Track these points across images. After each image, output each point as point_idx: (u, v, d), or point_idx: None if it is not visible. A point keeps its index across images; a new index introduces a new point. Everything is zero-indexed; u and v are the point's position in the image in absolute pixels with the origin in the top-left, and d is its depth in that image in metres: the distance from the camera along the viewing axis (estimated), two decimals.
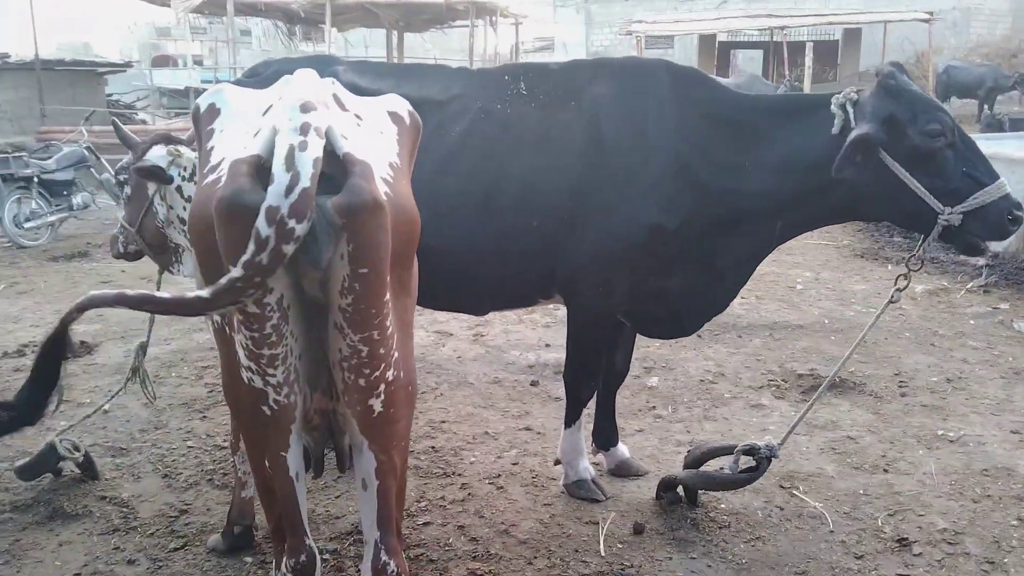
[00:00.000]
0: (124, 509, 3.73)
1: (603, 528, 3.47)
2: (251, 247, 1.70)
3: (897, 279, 3.15)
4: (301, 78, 2.04)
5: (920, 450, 4.10)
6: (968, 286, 6.87)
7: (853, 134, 2.97)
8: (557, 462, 3.90)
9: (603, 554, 3.28)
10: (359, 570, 3.03)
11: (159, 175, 3.41)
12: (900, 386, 4.92)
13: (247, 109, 2.07)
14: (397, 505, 2.14)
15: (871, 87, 3.10)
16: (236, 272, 1.71)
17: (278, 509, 2.03)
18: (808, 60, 23.34)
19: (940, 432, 4.28)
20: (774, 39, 26.12)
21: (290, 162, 1.74)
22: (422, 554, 3.30)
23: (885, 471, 3.92)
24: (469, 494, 3.80)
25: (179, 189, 3.43)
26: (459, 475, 3.98)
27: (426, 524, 3.53)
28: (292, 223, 1.69)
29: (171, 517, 3.66)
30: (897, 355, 5.43)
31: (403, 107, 2.24)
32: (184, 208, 3.43)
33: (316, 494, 3.76)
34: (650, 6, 31.40)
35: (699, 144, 3.30)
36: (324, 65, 3.74)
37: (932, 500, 3.64)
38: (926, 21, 23.80)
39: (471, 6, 12.75)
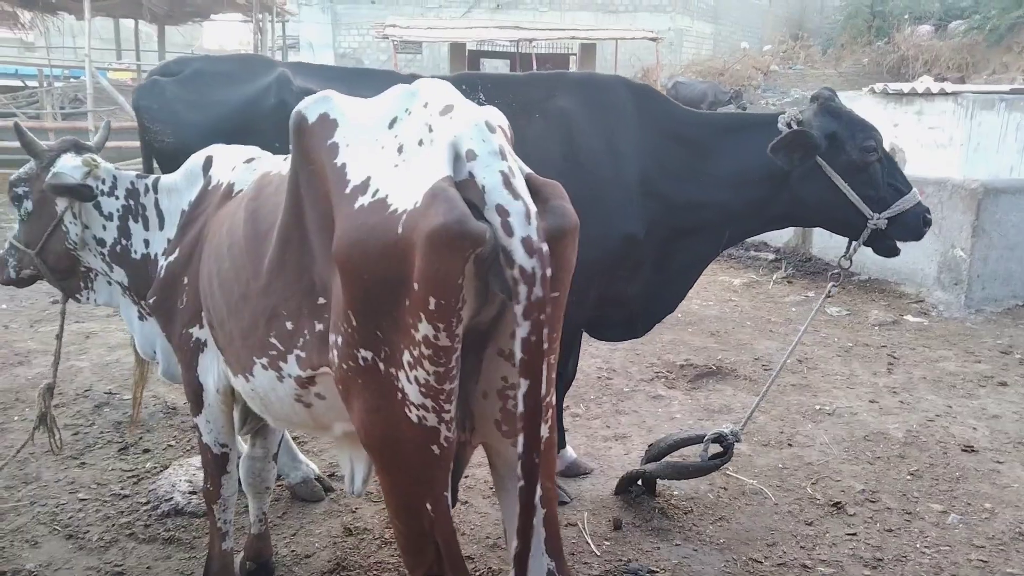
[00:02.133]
0: None
1: (585, 528, 3.57)
2: (522, 288, 1.59)
3: (831, 276, 3.59)
4: (433, 86, 1.90)
5: (808, 424, 4.67)
6: (774, 278, 7.87)
7: (796, 128, 3.32)
8: None
9: (598, 553, 3.38)
10: None
11: (82, 193, 2.93)
12: (764, 369, 5.55)
13: (364, 121, 1.89)
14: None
15: (812, 108, 3.49)
16: (521, 320, 1.61)
17: (433, 554, 1.88)
18: (548, 68, 24.92)
19: (817, 407, 4.90)
20: (520, 50, 27.54)
21: (512, 189, 1.64)
22: None
23: (790, 445, 4.42)
24: None
25: (97, 205, 2.99)
26: None
27: None
28: (544, 251, 1.61)
29: None
30: (748, 342, 6.09)
31: (505, 120, 2.17)
32: (103, 227, 3.00)
33: (273, 533, 3.45)
34: (397, 10, 31.64)
35: (660, 158, 3.50)
36: (264, 67, 3.46)
37: (839, 466, 4.18)
38: (653, 40, 26.43)
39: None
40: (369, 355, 1.78)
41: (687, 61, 32.14)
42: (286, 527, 3.57)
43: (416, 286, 1.63)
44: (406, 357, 1.72)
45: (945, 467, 4.16)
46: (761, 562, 3.35)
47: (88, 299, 3.27)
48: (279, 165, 2.51)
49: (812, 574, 3.27)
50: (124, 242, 3.03)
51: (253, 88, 3.33)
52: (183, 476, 3.89)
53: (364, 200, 1.72)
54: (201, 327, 2.71)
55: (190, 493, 3.77)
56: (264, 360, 2.20)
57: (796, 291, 7.53)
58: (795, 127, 3.44)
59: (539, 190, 1.75)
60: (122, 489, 3.88)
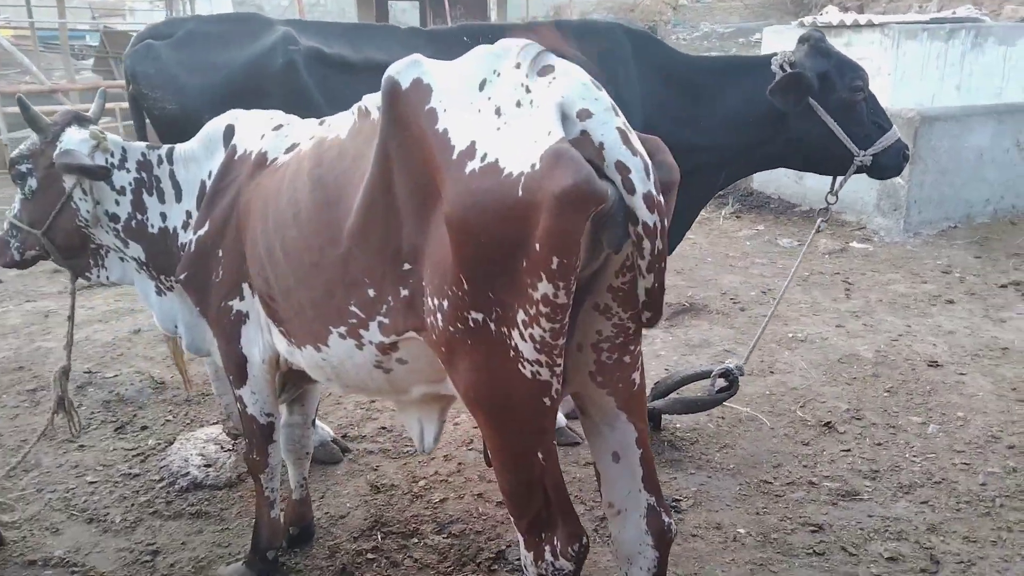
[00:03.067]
0: (76, 569, 3.11)
1: None
2: (646, 243, 1.67)
3: (819, 212, 3.77)
4: (519, 47, 1.90)
5: (784, 352, 4.94)
6: (722, 214, 8.13)
7: (791, 71, 3.46)
8: None
9: None
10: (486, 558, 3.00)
11: (98, 173, 2.82)
12: (733, 302, 5.79)
13: (454, 84, 1.89)
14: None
15: (802, 49, 3.62)
16: (646, 272, 1.71)
17: (540, 501, 1.96)
18: (459, 12, 24.47)
19: (790, 335, 5.18)
20: None
21: (631, 145, 1.69)
22: (466, 528, 3.27)
23: (772, 372, 4.67)
24: (459, 464, 3.78)
25: (109, 179, 2.88)
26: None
27: (442, 501, 3.48)
28: (663, 205, 1.67)
29: (144, 562, 3.14)
30: (713, 277, 6.33)
31: None
32: (116, 202, 2.91)
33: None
34: None
35: (660, 103, 3.59)
36: (262, 26, 3.37)
37: (820, 389, 4.46)
38: None
39: None
40: (480, 316, 1.82)
41: (610, 5, 32.05)
42: (313, 491, 3.58)
43: (538, 246, 1.67)
44: (521, 316, 1.77)
45: (916, 382, 4.49)
46: (771, 482, 3.58)
47: (99, 277, 3.16)
48: (321, 130, 2.47)
49: (819, 489, 3.52)
50: (139, 216, 2.94)
51: (256, 48, 3.22)
52: (193, 450, 3.84)
53: (474, 165, 1.74)
54: (242, 299, 2.68)
55: (205, 467, 3.74)
56: (342, 328, 2.21)
57: (746, 225, 7.83)
58: (788, 69, 3.56)
59: (644, 145, 1.81)
60: (130, 468, 3.81)
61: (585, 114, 1.72)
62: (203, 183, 2.85)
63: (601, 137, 1.69)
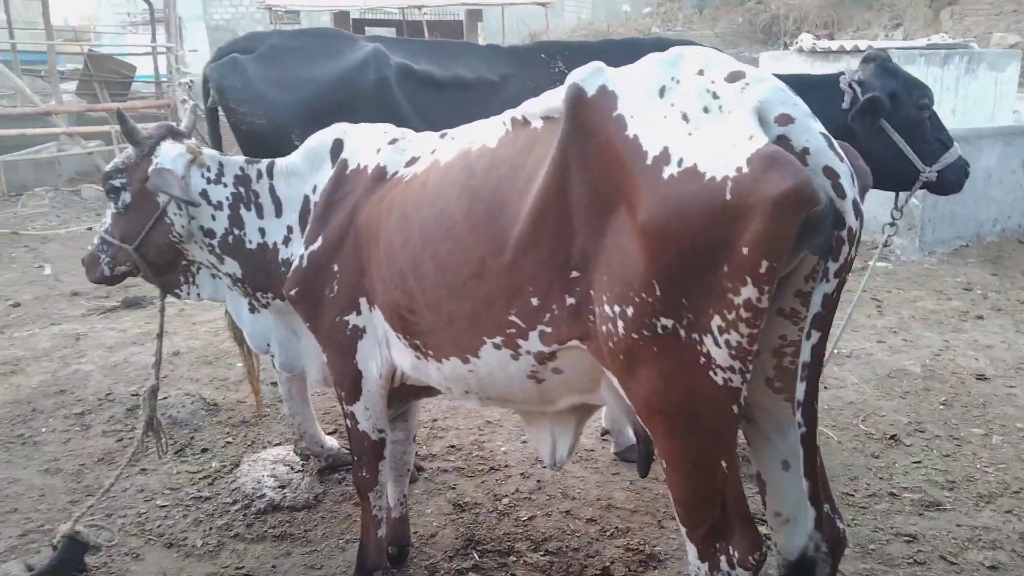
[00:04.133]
0: None
1: None
2: (844, 248, 1.69)
3: (885, 228, 3.84)
4: (698, 54, 1.92)
5: (834, 367, 4.99)
6: None
7: (869, 94, 3.53)
8: (605, 433, 4.02)
9: None
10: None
11: (189, 203, 2.79)
12: None
13: (635, 91, 1.89)
14: None
15: (870, 69, 3.70)
16: (832, 277, 1.71)
17: (719, 509, 1.95)
18: (437, 37, 24.64)
19: (836, 351, 5.23)
20: (407, 18, 27.04)
21: (836, 151, 1.71)
22: (563, 546, 3.23)
23: (826, 388, 4.71)
24: (538, 481, 3.75)
25: (205, 194, 2.85)
26: (507, 466, 3.88)
27: (531, 518, 3.44)
28: (863, 212, 1.70)
29: None
30: None
31: None
32: (212, 217, 2.87)
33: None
34: None
35: None
36: (345, 41, 3.37)
37: (877, 403, 4.51)
38: (543, 5, 26.52)
39: None
40: (670, 323, 1.81)
41: (571, 26, 32.46)
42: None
43: (745, 250, 1.67)
44: (716, 322, 1.77)
45: (968, 395, 4.56)
46: (852, 495, 3.61)
47: (189, 294, 3.11)
48: (456, 142, 2.47)
49: (902, 500, 3.55)
50: (236, 232, 2.90)
51: (346, 64, 3.21)
52: (264, 472, 3.77)
53: (671, 170, 1.74)
54: (359, 314, 2.65)
55: (280, 488, 3.67)
56: (498, 339, 2.19)
57: None
58: (856, 88, 3.64)
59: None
60: (199, 491, 3.72)
61: (785, 119, 1.74)
62: (306, 198, 2.82)
63: (805, 143, 1.71)
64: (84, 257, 3.12)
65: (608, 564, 3.09)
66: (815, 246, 1.74)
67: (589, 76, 1.92)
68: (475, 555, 3.18)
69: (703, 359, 1.82)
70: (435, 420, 4.37)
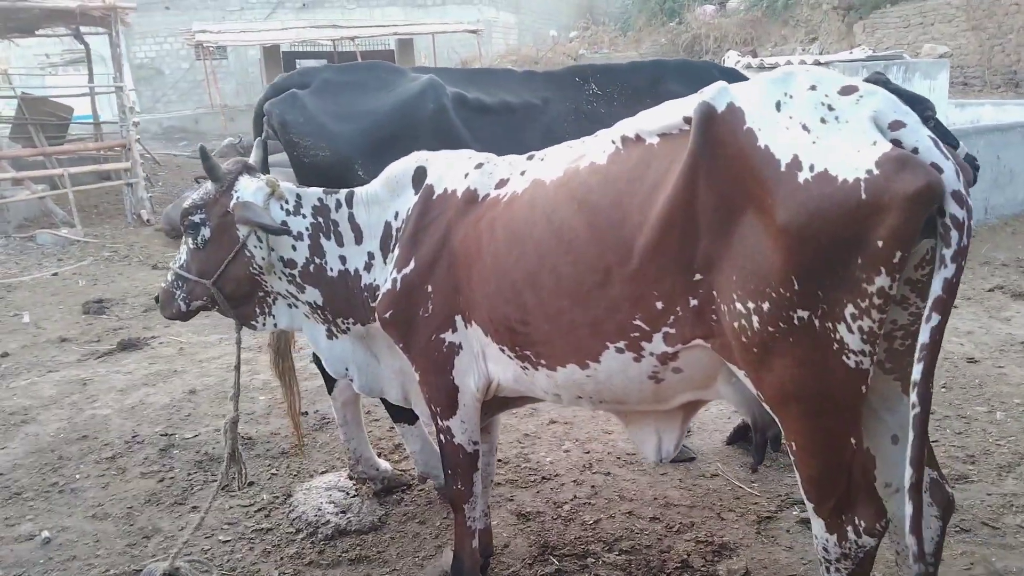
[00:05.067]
0: None
1: (730, 477, 3.91)
2: (953, 234, 1.87)
3: None
4: (807, 73, 2.12)
5: None
6: None
7: None
8: None
9: (757, 494, 3.73)
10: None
11: (277, 231, 2.89)
12: None
13: (756, 107, 2.06)
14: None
15: None
16: (949, 263, 1.88)
17: (845, 484, 2.12)
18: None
19: None
20: (339, 49, 27.06)
21: (942, 150, 1.92)
22: (635, 545, 3.37)
23: None
24: (592, 487, 3.88)
25: (284, 225, 2.93)
26: (557, 475, 4.01)
27: (596, 522, 3.57)
28: (971, 204, 1.91)
29: None
30: None
31: None
32: (293, 248, 2.95)
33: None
34: (196, 15, 29.97)
35: None
36: (395, 73, 3.49)
37: None
38: (474, 32, 26.91)
39: (112, 11, 11.03)
40: (806, 314, 2.00)
41: (500, 52, 32.95)
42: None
43: (880, 243, 1.87)
44: (849, 310, 1.95)
45: (964, 377, 4.91)
46: None
47: (264, 324, 3.15)
48: (537, 165, 2.63)
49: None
50: (318, 261, 2.98)
51: (403, 94, 3.32)
52: (321, 499, 3.79)
53: (805, 175, 1.93)
54: (455, 331, 2.76)
55: (342, 513, 3.70)
56: (622, 343, 2.33)
57: None
58: None
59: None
60: (258, 524, 3.73)
61: (898, 125, 1.95)
62: (388, 224, 2.92)
63: (915, 143, 1.92)
64: (158, 294, 3.14)
65: (685, 557, 3.24)
66: (927, 235, 1.95)
67: (717, 95, 2.10)
68: (554, 560, 3.29)
69: (836, 345, 2.00)
70: None
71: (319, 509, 3.72)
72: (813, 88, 2.06)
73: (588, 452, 4.25)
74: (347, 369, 3.16)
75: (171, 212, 10.12)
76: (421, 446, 3.80)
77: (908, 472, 2.00)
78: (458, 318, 2.74)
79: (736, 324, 2.10)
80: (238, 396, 3.25)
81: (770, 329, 2.04)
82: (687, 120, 2.16)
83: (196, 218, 2.96)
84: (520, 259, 2.48)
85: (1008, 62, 18.29)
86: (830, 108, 2.02)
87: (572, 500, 3.76)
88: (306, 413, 4.84)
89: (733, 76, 3.93)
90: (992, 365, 5.06)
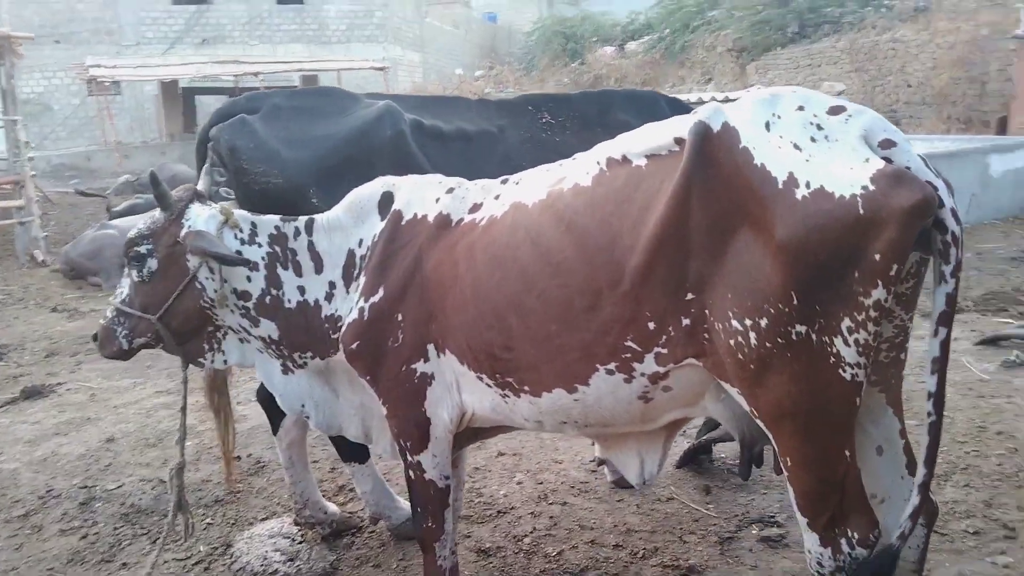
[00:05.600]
0: None
1: (685, 500, 3.91)
2: (952, 251, 1.95)
3: None
4: (792, 94, 2.15)
5: None
6: None
7: None
8: (601, 463, 4.14)
9: (714, 515, 3.74)
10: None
11: (238, 263, 2.74)
12: None
13: (747, 126, 2.08)
14: None
15: None
16: (949, 278, 1.96)
17: (838, 499, 2.13)
18: None
19: None
20: (241, 84, 26.48)
21: (932, 169, 1.98)
22: (602, 574, 3.31)
23: None
24: (551, 518, 3.80)
25: (239, 254, 2.79)
26: (513, 508, 3.91)
27: (559, 553, 3.49)
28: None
29: None
30: None
31: None
32: (248, 279, 2.82)
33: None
34: (89, 50, 28.80)
35: None
36: (348, 99, 3.43)
37: None
38: (380, 70, 26.86)
39: (5, 40, 10.39)
40: (803, 329, 2.01)
41: (407, 89, 33.04)
42: (418, 565, 3.46)
43: (878, 256, 1.90)
44: (846, 323, 1.97)
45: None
46: None
47: (213, 361, 2.97)
48: (512, 189, 2.59)
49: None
50: (274, 292, 2.83)
51: (358, 120, 3.23)
52: (266, 548, 3.57)
53: (802, 192, 1.96)
54: (427, 360, 2.66)
55: (290, 561, 3.50)
56: (612, 364, 2.29)
57: None
58: None
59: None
60: None
61: (888, 143, 2.00)
62: (351, 252, 2.81)
63: (907, 162, 1.98)
64: (96, 332, 2.91)
65: None
66: (918, 250, 2.01)
67: (713, 114, 2.11)
68: None
69: (832, 359, 2.02)
70: None
71: (264, 558, 3.50)
72: (801, 108, 2.10)
73: (541, 483, 4.17)
74: (303, 406, 2.99)
75: (70, 251, 9.55)
76: (372, 486, 3.65)
77: (921, 472, 2.11)
78: (430, 347, 2.64)
79: (732, 342, 2.09)
80: (184, 440, 3.03)
81: (768, 345, 2.04)
82: (678, 141, 2.17)
83: (142, 248, 2.77)
84: (503, 284, 2.41)
85: (888, 101, 19.57)
86: (819, 127, 2.05)
87: (532, 533, 3.67)
88: (239, 457, 4.57)
89: (677, 106, 4.03)
90: (915, 380, 5.28)
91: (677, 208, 2.10)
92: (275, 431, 3.59)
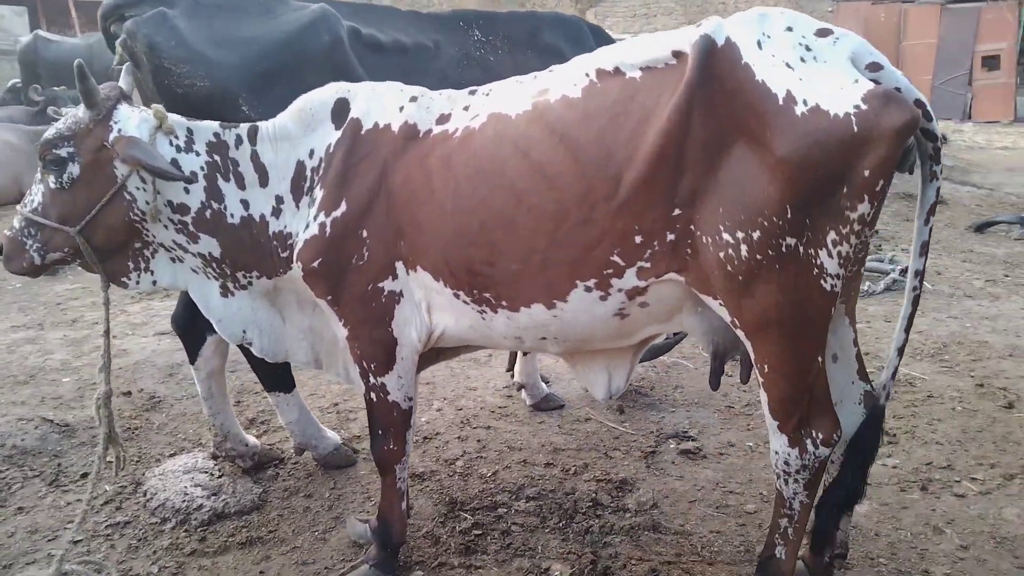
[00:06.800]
0: None
1: (602, 420, 4.07)
2: (937, 163, 2.15)
3: None
4: (780, 15, 2.20)
5: None
6: None
7: None
8: (520, 387, 4.19)
9: (631, 431, 3.92)
10: None
11: (181, 178, 2.53)
12: None
13: (744, 44, 2.13)
14: None
15: None
16: (940, 177, 2.17)
17: (807, 401, 2.31)
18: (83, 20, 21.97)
19: None
20: None
21: (915, 87, 2.13)
22: (540, 491, 3.38)
23: None
24: (478, 441, 3.83)
25: (173, 164, 2.57)
26: (438, 434, 3.90)
27: (494, 474, 3.54)
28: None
29: None
30: None
31: None
32: (186, 190, 2.62)
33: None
34: None
35: None
36: (273, 1, 3.15)
37: None
38: None
39: None
40: (793, 241, 2.12)
41: None
42: (354, 494, 3.39)
43: (867, 172, 2.04)
44: (831, 236, 2.11)
45: None
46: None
47: (139, 283, 2.71)
48: (484, 100, 2.52)
49: None
50: (215, 206, 2.62)
51: (293, 23, 2.97)
52: (184, 483, 3.36)
53: (800, 109, 2.04)
54: (395, 278, 2.57)
55: (213, 495, 3.31)
56: (592, 281, 2.30)
57: None
58: None
59: None
60: (111, 518, 3.22)
61: (875, 66, 2.13)
62: (300, 163, 2.64)
63: (896, 83, 2.11)
64: (0, 244, 2.56)
65: (593, 496, 3.32)
66: (903, 164, 2.17)
67: (716, 28, 2.13)
68: (466, 515, 3.21)
69: (816, 270, 2.15)
70: (336, 405, 4.21)
71: (186, 494, 3.29)
72: (789, 29, 2.17)
73: (461, 409, 4.19)
74: (245, 331, 2.80)
75: None
76: (298, 415, 3.51)
77: (900, 337, 2.38)
78: (399, 264, 2.55)
79: (722, 254, 2.17)
80: (109, 367, 2.75)
81: (758, 257, 2.14)
82: (676, 54, 2.19)
83: (62, 152, 2.45)
84: (489, 197, 2.35)
85: None
86: (807, 48, 2.14)
87: (463, 456, 3.69)
88: (130, 393, 4.24)
89: (599, 33, 4.05)
90: None
91: (678, 122, 2.13)
92: (193, 360, 3.35)
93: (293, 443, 3.58)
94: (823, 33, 2.17)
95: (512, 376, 4.46)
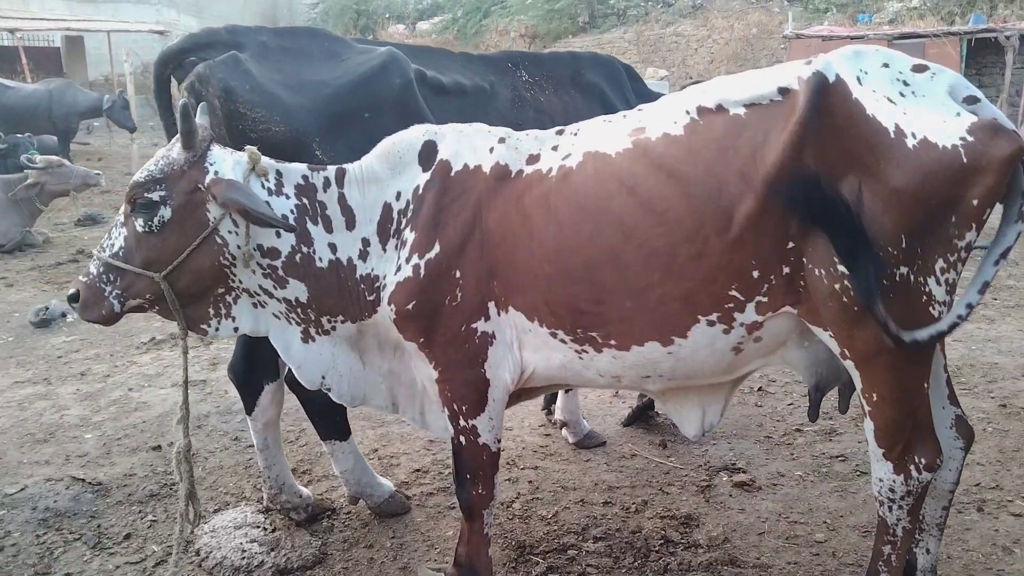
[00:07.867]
0: None
1: (645, 450, 4.06)
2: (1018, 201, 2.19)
3: None
4: (877, 53, 2.27)
5: None
6: None
7: None
8: (563, 425, 4.16)
9: (679, 465, 3.92)
10: None
11: (284, 227, 2.47)
12: None
13: (851, 80, 2.21)
14: None
15: None
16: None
17: (912, 426, 2.33)
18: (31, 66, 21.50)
19: None
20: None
21: (1007, 120, 2.23)
22: (605, 531, 3.35)
23: None
24: (529, 482, 3.78)
25: (267, 206, 2.53)
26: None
27: (554, 516, 3.48)
28: None
29: None
30: None
31: None
32: (278, 234, 2.55)
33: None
34: None
35: None
36: (335, 42, 3.22)
37: None
38: (161, 33, 24.66)
39: None
40: (905, 270, 2.17)
41: None
42: (417, 542, 3.31)
43: (975, 202, 2.11)
44: (939, 264, 2.17)
45: None
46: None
47: (219, 329, 2.63)
48: (572, 140, 2.55)
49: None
50: (305, 249, 2.57)
51: (362, 66, 2.96)
52: (239, 540, 3.24)
53: (911, 142, 2.11)
54: (487, 319, 2.54)
55: (272, 551, 3.19)
56: (714, 315, 2.31)
57: None
58: None
59: None
60: None
61: (972, 99, 2.21)
62: (387, 206, 2.61)
63: (993, 115, 2.20)
64: (75, 292, 2.47)
65: (662, 533, 3.30)
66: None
67: (826, 66, 2.19)
68: (538, 559, 3.16)
69: (925, 297, 2.21)
70: (376, 451, 4.11)
71: (243, 551, 3.17)
72: (886, 65, 2.25)
73: (503, 451, 4.11)
74: (324, 377, 2.73)
75: None
76: (353, 464, 3.42)
77: (975, 296, 2.20)
78: (491, 305, 2.53)
79: (837, 286, 2.20)
80: (188, 419, 2.65)
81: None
82: (782, 91, 2.24)
83: (154, 195, 2.38)
84: (595, 235, 2.35)
85: (674, 91, 21.17)
86: (905, 83, 2.22)
87: (518, 498, 3.63)
88: (159, 447, 4.08)
89: (631, 71, 4.13)
90: None
91: (791, 156, 2.18)
92: (250, 411, 3.24)
93: (347, 492, 3.48)
94: (919, 69, 2.26)
95: (548, 415, 4.44)
